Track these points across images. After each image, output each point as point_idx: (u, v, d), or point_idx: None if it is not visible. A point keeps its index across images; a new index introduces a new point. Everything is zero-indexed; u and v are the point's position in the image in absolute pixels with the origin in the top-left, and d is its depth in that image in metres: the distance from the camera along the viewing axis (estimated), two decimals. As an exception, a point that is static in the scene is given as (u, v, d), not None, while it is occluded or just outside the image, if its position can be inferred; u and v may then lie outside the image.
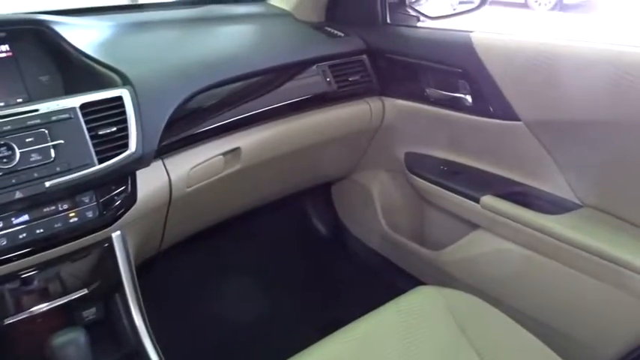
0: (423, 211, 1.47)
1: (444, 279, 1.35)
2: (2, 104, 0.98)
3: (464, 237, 1.29)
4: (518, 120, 1.11)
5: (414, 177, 1.37)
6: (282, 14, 1.42)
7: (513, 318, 0.95)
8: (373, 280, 1.61)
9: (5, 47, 1.00)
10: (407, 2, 1.40)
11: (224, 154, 1.11)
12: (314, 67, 1.27)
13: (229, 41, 1.25)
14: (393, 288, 1.16)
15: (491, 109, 1.15)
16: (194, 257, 1.50)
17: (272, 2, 1.48)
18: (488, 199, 1.18)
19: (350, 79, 1.32)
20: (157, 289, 1.08)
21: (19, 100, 1.00)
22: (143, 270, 1.08)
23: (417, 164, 1.38)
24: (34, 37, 1.01)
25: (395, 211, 1.55)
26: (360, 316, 0.95)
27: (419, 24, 1.40)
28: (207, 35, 1.26)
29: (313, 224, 1.82)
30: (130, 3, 1.55)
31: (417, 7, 1.40)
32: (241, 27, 1.34)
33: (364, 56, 1.35)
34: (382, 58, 1.35)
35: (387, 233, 1.54)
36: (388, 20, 1.39)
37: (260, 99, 1.17)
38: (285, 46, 1.27)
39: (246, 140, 1.14)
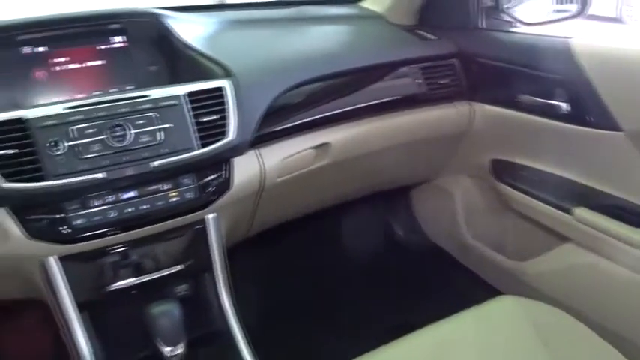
0: (506, 219, 1.43)
1: (526, 290, 1.31)
2: (116, 89, 1.06)
3: (552, 249, 1.25)
4: (619, 130, 1.06)
5: (501, 184, 1.34)
6: (374, 16, 1.44)
7: (602, 336, 0.91)
8: (448, 287, 1.59)
9: (121, 38, 1.08)
10: (501, 7, 1.38)
11: (315, 148, 1.14)
12: (405, 68, 1.28)
13: (323, 40, 1.28)
14: (469, 296, 1.13)
15: (589, 118, 1.11)
16: (273, 248, 1.54)
17: (364, 5, 1.50)
18: (582, 212, 1.13)
19: (440, 82, 1.31)
20: (236, 274, 1.12)
21: (130, 87, 1.07)
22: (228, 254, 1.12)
23: (504, 172, 1.35)
24: (147, 29, 1.09)
25: (476, 218, 1.52)
26: (433, 322, 0.94)
27: (513, 29, 1.37)
28: (303, 34, 1.30)
29: (391, 227, 1.82)
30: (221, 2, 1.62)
31: (511, 13, 1.38)
32: (335, 27, 1.37)
33: (455, 60, 1.34)
34: (474, 63, 1.33)
35: (467, 240, 1.52)
36: (482, 25, 1.37)
37: (351, 97, 1.20)
38: (377, 47, 1.28)
39: (336, 136, 1.16)
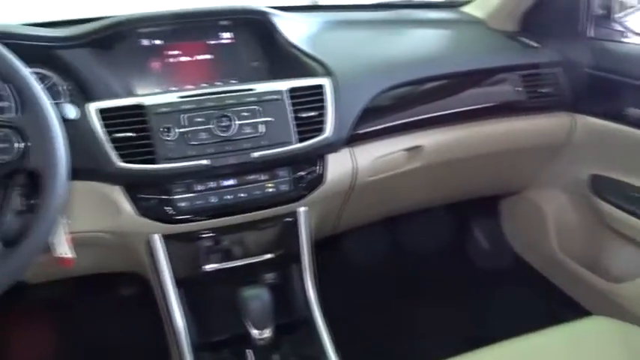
0: (603, 238, 1.36)
1: (619, 313, 1.23)
2: (221, 82, 1.11)
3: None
4: None
5: (601, 201, 1.27)
6: (475, 22, 1.41)
7: None
8: (533, 302, 1.53)
9: (229, 34, 1.14)
10: (613, 16, 1.31)
11: (407, 149, 1.14)
12: (504, 75, 1.25)
13: (422, 44, 1.28)
14: (555, 313, 1.09)
15: None
16: (357, 247, 1.56)
17: (466, 10, 1.48)
18: None
19: (541, 90, 1.27)
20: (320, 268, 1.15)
21: (234, 81, 1.13)
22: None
23: (605, 188, 1.28)
24: (253, 26, 1.14)
25: (569, 234, 1.46)
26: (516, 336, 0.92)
27: (624, 40, 1.30)
28: (402, 36, 1.31)
29: (475, 236, 1.78)
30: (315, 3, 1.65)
31: (623, 22, 1.31)
32: (434, 31, 1.37)
33: (559, 69, 1.29)
34: (579, 73, 1.27)
35: (557, 257, 1.45)
36: (590, 34, 1.31)
37: (447, 101, 1.18)
38: (477, 52, 1.26)
39: (429, 139, 1.15)
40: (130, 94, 1.02)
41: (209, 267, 1.01)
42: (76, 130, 0.82)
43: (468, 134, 1.21)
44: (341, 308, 1.11)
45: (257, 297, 0.94)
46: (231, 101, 0.93)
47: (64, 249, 0.89)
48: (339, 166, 1.04)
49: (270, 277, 1.07)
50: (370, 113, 1.05)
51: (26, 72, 0.74)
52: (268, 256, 1.04)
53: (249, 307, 0.93)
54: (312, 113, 0.97)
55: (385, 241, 1.61)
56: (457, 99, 1.20)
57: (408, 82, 1.10)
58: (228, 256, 1.03)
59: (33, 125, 0.73)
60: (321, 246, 1.18)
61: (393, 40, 1.27)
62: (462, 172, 1.32)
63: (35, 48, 0.92)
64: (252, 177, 0.96)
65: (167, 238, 0.98)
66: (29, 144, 0.73)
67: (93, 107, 0.89)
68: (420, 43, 1.27)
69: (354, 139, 1.04)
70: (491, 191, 1.58)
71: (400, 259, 1.66)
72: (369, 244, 1.58)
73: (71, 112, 0.85)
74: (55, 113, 0.75)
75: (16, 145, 0.72)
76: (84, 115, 0.88)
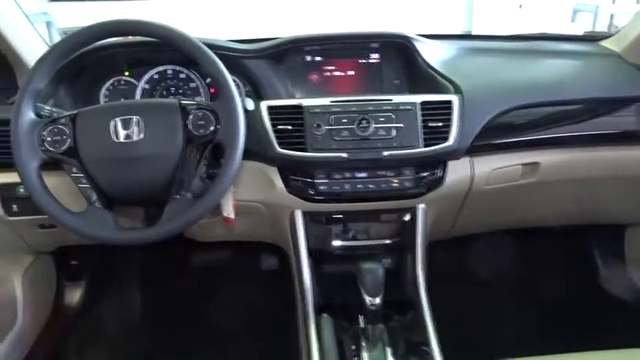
0: None
1: None
2: (364, 94, 1.30)
3: None
4: None
5: None
6: (610, 55, 1.43)
7: None
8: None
9: (377, 55, 1.32)
10: None
11: (524, 165, 1.22)
12: (632, 106, 1.27)
13: (552, 70, 1.34)
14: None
15: None
16: (468, 253, 1.64)
17: (603, 44, 1.50)
18: None
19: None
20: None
21: (375, 94, 1.31)
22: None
23: None
24: (398, 49, 1.31)
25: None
26: None
27: None
28: (533, 64, 1.38)
29: (595, 264, 1.75)
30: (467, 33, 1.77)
31: None
32: (566, 61, 1.41)
33: None
34: None
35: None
36: None
37: (569, 124, 1.24)
38: (607, 82, 1.29)
39: (546, 157, 1.22)
40: (291, 96, 1.25)
41: (336, 243, 1.20)
42: (250, 119, 1.05)
43: (587, 157, 1.25)
44: (445, 302, 1.22)
45: (373, 270, 1.09)
46: (371, 108, 1.10)
47: (229, 210, 1.13)
48: (457, 171, 1.16)
49: (385, 259, 1.22)
50: (493, 129, 1.15)
51: (225, 71, 0.99)
52: (387, 241, 1.20)
53: (365, 278, 1.08)
54: (439, 124, 1.10)
55: (496, 254, 1.66)
56: (580, 124, 1.25)
57: (532, 105, 1.18)
58: (352, 236, 1.21)
59: (225, 110, 0.97)
60: (438, 245, 1.29)
61: (523, 67, 1.35)
62: (581, 193, 1.34)
63: (229, 57, 1.18)
64: (381, 172, 1.13)
65: (306, 215, 1.18)
66: (219, 125, 0.98)
67: (264, 104, 1.12)
68: (549, 70, 1.34)
69: (474, 149, 1.15)
70: (615, 218, 1.56)
71: (514, 271, 1.69)
72: (480, 254, 1.65)
73: (250, 105, 1.09)
74: (240, 104, 0.98)
75: (211, 124, 0.98)
76: (257, 109, 1.11)
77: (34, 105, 0.98)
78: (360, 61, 1.33)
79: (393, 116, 1.10)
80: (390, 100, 1.12)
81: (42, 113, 1.01)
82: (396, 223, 1.21)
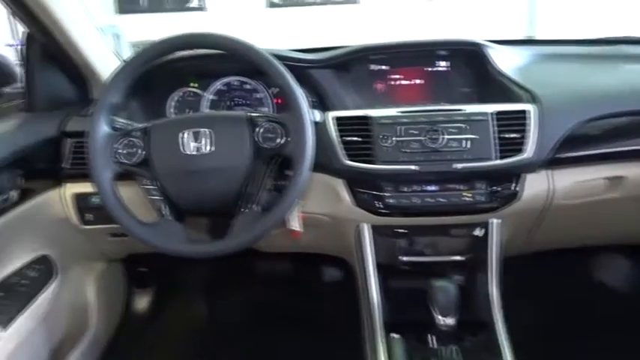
0: None
1: None
2: (433, 103, 1.26)
3: None
4: None
5: None
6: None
7: None
8: None
9: (445, 63, 1.28)
10: None
11: (608, 178, 1.14)
12: None
13: (636, 77, 1.25)
14: None
15: None
16: (543, 269, 1.55)
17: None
18: None
19: None
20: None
21: (444, 103, 1.26)
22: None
23: None
24: (468, 56, 1.26)
25: None
26: None
27: None
28: (614, 70, 1.29)
29: None
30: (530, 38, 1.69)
31: None
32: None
33: None
34: None
35: None
36: None
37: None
38: None
39: (632, 171, 1.13)
40: (358, 107, 1.22)
41: (405, 258, 1.15)
42: (317, 131, 1.03)
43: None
44: (520, 323, 1.15)
45: (445, 289, 1.04)
46: (441, 118, 1.06)
47: (295, 223, 1.12)
48: (535, 185, 1.09)
49: (457, 276, 1.16)
50: (573, 140, 1.08)
51: (294, 82, 0.98)
52: (457, 258, 1.14)
53: (437, 296, 1.04)
54: (515, 135, 1.05)
55: (577, 270, 1.56)
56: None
57: (616, 114, 1.11)
58: (421, 251, 1.15)
59: (294, 122, 0.96)
60: (512, 261, 1.23)
61: (604, 73, 1.27)
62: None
63: (295, 67, 1.16)
64: (452, 185, 1.08)
65: (373, 228, 1.15)
66: (288, 138, 0.97)
67: (331, 115, 1.10)
68: (633, 76, 1.25)
69: (554, 162, 1.08)
70: None
71: (594, 289, 1.59)
72: (560, 269, 1.56)
73: (318, 116, 1.07)
74: (309, 116, 0.97)
75: (279, 137, 0.97)
76: (324, 120, 1.09)
77: (109, 118, 1.01)
78: (427, 69, 1.29)
79: (466, 127, 1.05)
80: (462, 110, 1.07)
81: (116, 126, 1.04)
82: (467, 238, 1.15)
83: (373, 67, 1.29)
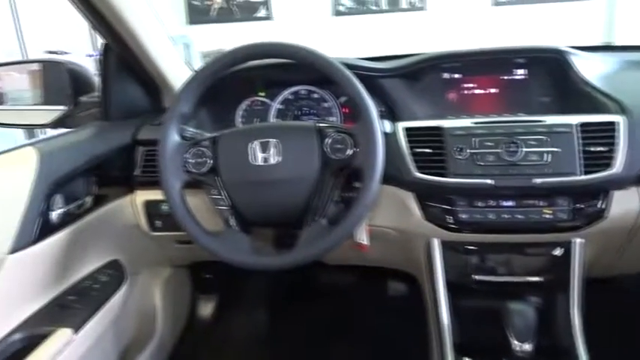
0: None
1: None
2: (509, 114, 1.19)
3: None
4: None
5: None
6: None
7: None
8: None
9: (523, 71, 1.21)
10: None
11: None
12: None
13: None
14: None
15: None
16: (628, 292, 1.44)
17: None
18: None
19: None
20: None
21: (521, 113, 1.19)
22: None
23: None
24: (548, 64, 1.18)
25: None
26: None
27: None
28: None
29: None
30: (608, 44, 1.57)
31: None
32: None
33: None
34: None
35: None
36: None
37: None
38: None
39: None
40: (429, 117, 1.18)
41: (477, 277, 1.09)
42: (387, 142, 0.99)
43: None
44: (604, 350, 1.06)
45: (521, 312, 0.98)
46: (519, 130, 1.00)
47: (363, 236, 1.08)
48: (624, 203, 1.01)
49: (534, 299, 1.09)
50: None
51: (365, 92, 0.95)
52: (535, 278, 1.07)
53: (513, 319, 0.98)
54: (602, 148, 0.97)
55: None
56: None
57: None
58: (495, 270, 1.09)
59: (364, 133, 0.93)
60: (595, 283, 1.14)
61: None
62: None
63: (364, 76, 1.13)
64: (530, 201, 1.01)
65: (444, 244, 1.10)
66: (357, 149, 0.93)
67: (401, 126, 1.07)
68: None
69: None
70: None
71: None
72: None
73: (388, 127, 1.04)
74: (380, 127, 0.93)
75: (348, 148, 0.94)
76: (394, 131, 1.05)
77: (180, 128, 1.02)
78: (503, 77, 1.23)
79: (547, 139, 0.99)
80: (543, 121, 1.01)
81: (186, 135, 1.05)
82: (545, 257, 1.08)
83: (446, 75, 1.24)
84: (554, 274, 1.07)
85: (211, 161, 1.00)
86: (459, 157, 1.01)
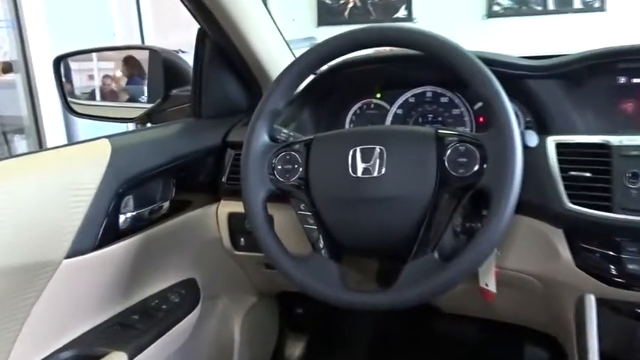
0: None
1: None
2: None
3: None
4: None
5: None
6: None
7: None
8: None
9: None
10: None
11: None
12: None
13: None
14: None
15: None
16: None
17: None
18: None
19: None
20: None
21: None
22: None
23: None
24: None
25: None
26: None
27: None
28: None
29: None
30: None
31: None
32: None
33: None
34: None
35: None
36: None
37: None
38: None
39: None
40: (591, 131, 1.01)
41: None
42: (529, 160, 0.85)
43: None
44: None
45: None
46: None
47: (489, 280, 0.95)
48: None
49: None
50: None
51: (503, 93, 0.83)
52: None
53: None
54: None
55: None
56: None
57: None
58: None
59: (496, 143, 0.81)
60: None
61: None
62: None
63: (507, 75, 1.00)
64: None
65: (602, 303, 0.93)
66: (486, 165, 0.82)
67: (552, 140, 0.92)
68: None
69: None
70: None
71: None
72: None
73: (533, 140, 0.90)
74: (519, 138, 0.81)
75: (476, 163, 0.82)
76: (541, 146, 0.92)
77: (270, 127, 0.97)
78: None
79: None
80: None
81: (278, 137, 1.00)
82: None
83: (622, 79, 1.07)
84: None
85: (302, 169, 0.93)
86: (632, 185, 0.85)
